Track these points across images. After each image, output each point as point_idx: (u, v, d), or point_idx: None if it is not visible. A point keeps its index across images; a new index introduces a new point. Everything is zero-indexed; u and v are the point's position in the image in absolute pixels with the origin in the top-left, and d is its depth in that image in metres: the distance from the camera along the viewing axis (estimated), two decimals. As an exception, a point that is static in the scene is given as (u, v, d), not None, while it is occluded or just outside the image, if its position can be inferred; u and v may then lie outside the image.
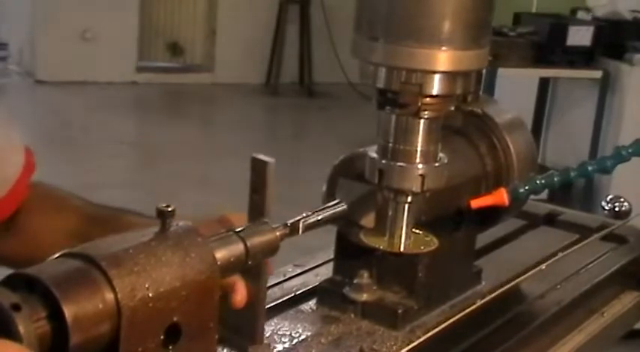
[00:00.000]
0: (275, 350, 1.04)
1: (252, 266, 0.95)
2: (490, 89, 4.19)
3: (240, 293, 0.95)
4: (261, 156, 0.94)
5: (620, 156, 1.17)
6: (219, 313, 0.96)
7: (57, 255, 0.78)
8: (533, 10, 5.66)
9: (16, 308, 0.70)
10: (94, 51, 7.72)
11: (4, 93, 7.26)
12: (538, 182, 1.16)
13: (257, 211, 0.95)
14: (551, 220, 1.59)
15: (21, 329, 0.70)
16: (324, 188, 1.18)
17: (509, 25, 4.93)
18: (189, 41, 8.53)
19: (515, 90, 4.64)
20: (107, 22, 7.72)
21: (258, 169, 0.94)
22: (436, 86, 1.03)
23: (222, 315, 0.97)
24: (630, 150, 1.18)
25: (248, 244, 0.91)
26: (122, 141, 6.39)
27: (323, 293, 1.17)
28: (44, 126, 6.07)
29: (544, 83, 5.29)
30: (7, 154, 1.19)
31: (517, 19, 5.09)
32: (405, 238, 1.13)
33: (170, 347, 0.80)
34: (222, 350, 1.00)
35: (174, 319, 0.80)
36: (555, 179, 1.16)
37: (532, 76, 5.10)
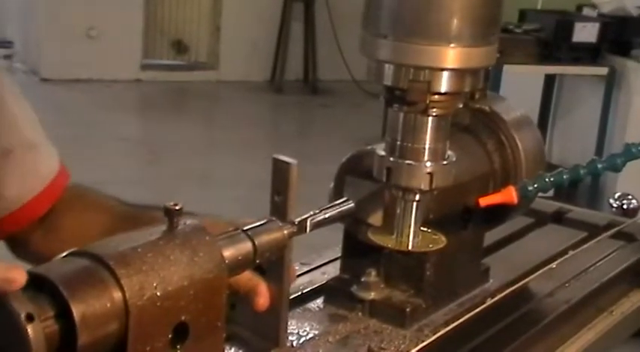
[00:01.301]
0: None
1: (275, 269, 0.95)
2: (496, 86, 4.18)
3: (263, 296, 0.95)
4: (284, 157, 0.93)
5: (631, 153, 1.16)
6: (243, 316, 0.96)
7: (65, 254, 0.78)
8: (539, 7, 5.66)
9: (30, 318, 0.70)
10: (98, 49, 7.72)
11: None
12: (547, 180, 1.15)
13: (279, 214, 0.94)
14: (558, 218, 1.59)
15: (32, 337, 0.70)
16: (332, 186, 1.17)
17: (514, 21, 4.92)
18: (193, 39, 8.53)
19: (520, 87, 4.63)
20: (112, 20, 7.72)
21: (281, 171, 0.93)
22: (444, 83, 1.03)
23: (245, 318, 0.97)
24: (640, 148, 1.17)
25: (256, 242, 0.90)
26: (127, 139, 6.39)
27: (330, 291, 1.16)
28: (49, 124, 6.06)
29: (550, 80, 5.28)
30: (42, 154, 1.23)
31: (522, 15, 5.09)
32: (413, 236, 1.12)
33: (178, 347, 0.80)
34: (230, 349, 1.00)
35: (182, 318, 0.80)
36: (564, 177, 1.15)
37: (538, 72, 5.10)
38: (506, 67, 4.43)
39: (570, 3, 5.29)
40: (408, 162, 1.07)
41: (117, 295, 0.75)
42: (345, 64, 7.57)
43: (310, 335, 1.07)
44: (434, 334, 1.08)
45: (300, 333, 1.07)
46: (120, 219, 1.19)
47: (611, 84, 4.73)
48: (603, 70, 4.74)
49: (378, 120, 5.40)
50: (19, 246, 1.25)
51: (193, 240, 0.82)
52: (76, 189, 1.27)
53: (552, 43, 4.69)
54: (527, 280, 1.23)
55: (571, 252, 1.33)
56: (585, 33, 4.66)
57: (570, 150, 5.07)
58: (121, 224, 1.17)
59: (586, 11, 5.09)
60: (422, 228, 1.14)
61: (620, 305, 1.32)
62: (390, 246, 1.12)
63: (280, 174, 0.94)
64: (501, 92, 3.97)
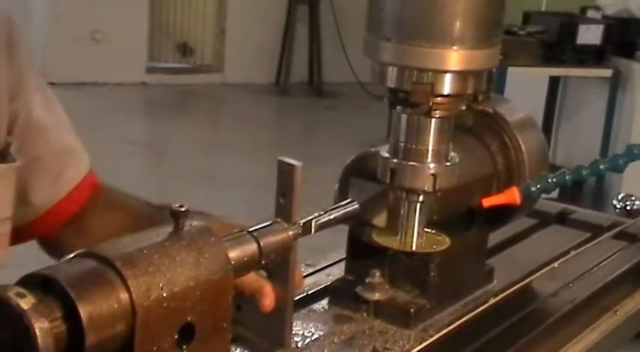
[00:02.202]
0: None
1: (280, 271, 0.96)
2: (500, 88, 4.19)
3: (269, 297, 0.96)
4: (289, 160, 0.94)
5: (632, 154, 1.16)
6: (248, 317, 0.97)
7: (72, 255, 0.79)
8: (543, 9, 5.66)
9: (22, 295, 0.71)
10: (104, 52, 7.74)
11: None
12: (550, 180, 1.16)
13: (284, 216, 0.95)
14: (562, 219, 1.59)
15: (40, 338, 0.71)
16: (336, 187, 1.18)
17: (518, 24, 4.92)
18: (198, 42, 8.54)
19: (525, 89, 4.64)
20: (117, 23, 7.74)
21: (286, 173, 0.94)
22: (447, 85, 1.04)
23: (250, 319, 0.98)
24: (642, 149, 1.17)
25: (261, 243, 0.91)
26: (132, 142, 6.40)
27: (335, 292, 1.17)
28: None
29: (554, 82, 5.28)
30: (72, 159, 1.27)
31: (527, 17, 5.09)
32: (417, 237, 1.13)
33: (184, 347, 0.81)
34: (236, 349, 1.01)
35: (189, 319, 0.81)
36: (567, 177, 1.16)
37: (542, 74, 5.10)
38: (510, 69, 4.44)
39: (574, 5, 5.29)
40: (411, 163, 1.08)
41: (124, 296, 0.75)
42: (350, 66, 7.57)
43: (315, 336, 1.07)
44: (438, 334, 1.08)
45: (306, 334, 1.08)
46: (142, 222, 1.22)
47: (616, 85, 4.73)
48: (607, 72, 4.74)
49: (383, 122, 5.40)
50: (51, 246, 1.29)
51: (199, 241, 0.83)
52: (105, 191, 1.30)
53: (556, 44, 4.69)
54: (529, 280, 1.23)
55: (573, 252, 1.34)
56: (589, 35, 4.66)
57: (575, 152, 5.07)
58: (143, 228, 1.20)
59: (590, 13, 5.09)
60: (426, 229, 1.14)
61: (623, 305, 1.32)
62: (394, 246, 1.13)
63: (285, 176, 0.94)
64: (506, 94, 3.97)
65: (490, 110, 1.24)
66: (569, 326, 1.22)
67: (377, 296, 1.12)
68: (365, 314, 1.12)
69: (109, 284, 0.75)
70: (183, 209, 0.83)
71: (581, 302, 1.26)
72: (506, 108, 1.27)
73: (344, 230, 1.18)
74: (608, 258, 1.41)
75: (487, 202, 1.16)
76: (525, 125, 1.27)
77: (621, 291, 1.36)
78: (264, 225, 0.94)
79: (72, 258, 0.78)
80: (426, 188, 1.09)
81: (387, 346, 1.06)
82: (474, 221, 1.21)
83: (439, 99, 1.05)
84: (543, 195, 1.22)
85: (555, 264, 1.28)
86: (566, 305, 1.24)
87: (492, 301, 1.16)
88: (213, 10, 8.48)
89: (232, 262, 0.86)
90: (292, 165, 0.94)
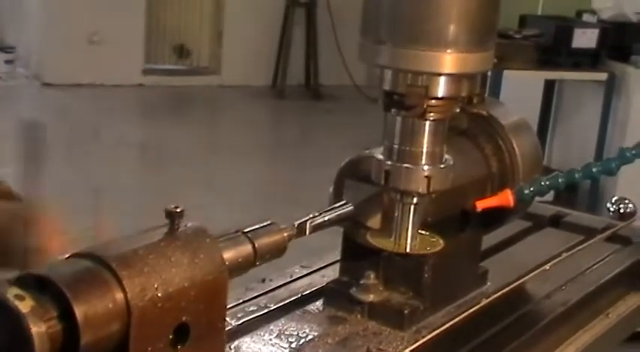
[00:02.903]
0: (283, 349, 1.05)
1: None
2: (496, 91, 4.19)
3: None
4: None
5: (625, 157, 1.17)
6: None
7: (68, 256, 0.79)
8: (539, 13, 5.67)
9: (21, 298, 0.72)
10: (101, 54, 7.73)
11: (12, 95, 7.28)
12: (543, 183, 1.17)
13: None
14: (556, 222, 1.60)
15: (35, 337, 0.71)
16: (331, 189, 1.19)
17: (514, 27, 4.92)
18: (195, 44, 8.54)
19: (520, 92, 4.64)
20: (114, 25, 7.74)
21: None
22: (442, 88, 1.04)
23: None
24: (634, 152, 1.19)
25: (256, 245, 0.92)
26: (129, 144, 6.40)
27: (330, 293, 1.17)
28: (51, 128, 6.07)
29: (550, 85, 5.29)
30: None
31: (522, 21, 5.09)
32: (411, 239, 1.13)
33: (179, 347, 0.82)
34: (230, 350, 1.01)
35: (183, 319, 0.81)
36: (560, 180, 1.17)
37: (537, 78, 5.10)
38: (506, 73, 4.44)
39: (570, 9, 5.29)
40: (405, 165, 1.09)
41: (119, 296, 0.76)
42: (346, 68, 7.57)
43: (310, 337, 1.08)
44: (431, 335, 1.09)
45: (300, 335, 1.08)
46: None
47: (611, 89, 4.73)
48: (603, 76, 4.75)
49: (379, 125, 5.40)
50: None
51: (194, 242, 0.84)
52: None
53: (552, 48, 4.69)
54: (520, 281, 1.24)
55: (564, 255, 1.34)
56: (585, 39, 4.66)
57: (570, 156, 5.08)
58: None
59: (586, 17, 5.10)
60: (420, 231, 1.15)
61: (616, 307, 1.33)
62: (388, 248, 1.14)
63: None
64: (501, 97, 3.97)
65: (484, 113, 1.25)
66: (561, 329, 1.23)
67: (371, 297, 1.12)
68: (359, 316, 1.12)
69: (105, 285, 0.76)
70: (178, 210, 0.84)
71: (573, 305, 1.27)
72: (501, 111, 1.27)
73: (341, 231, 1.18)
74: (601, 260, 1.42)
75: (481, 204, 1.17)
76: (519, 128, 1.28)
77: (614, 294, 1.37)
78: (259, 226, 0.95)
79: (67, 258, 0.79)
80: (420, 190, 1.09)
81: (381, 347, 1.06)
82: (468, 223, 1.21)
83: (433, 101, 1.06)
84: (538, 198, 1.23)
85: (547, 266, 1.29)
86: (559, 308, 1.25)
87: (484, 302, 1.16)
88: (210, 12, 8.48)
89: (227, 263, 0.87)
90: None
